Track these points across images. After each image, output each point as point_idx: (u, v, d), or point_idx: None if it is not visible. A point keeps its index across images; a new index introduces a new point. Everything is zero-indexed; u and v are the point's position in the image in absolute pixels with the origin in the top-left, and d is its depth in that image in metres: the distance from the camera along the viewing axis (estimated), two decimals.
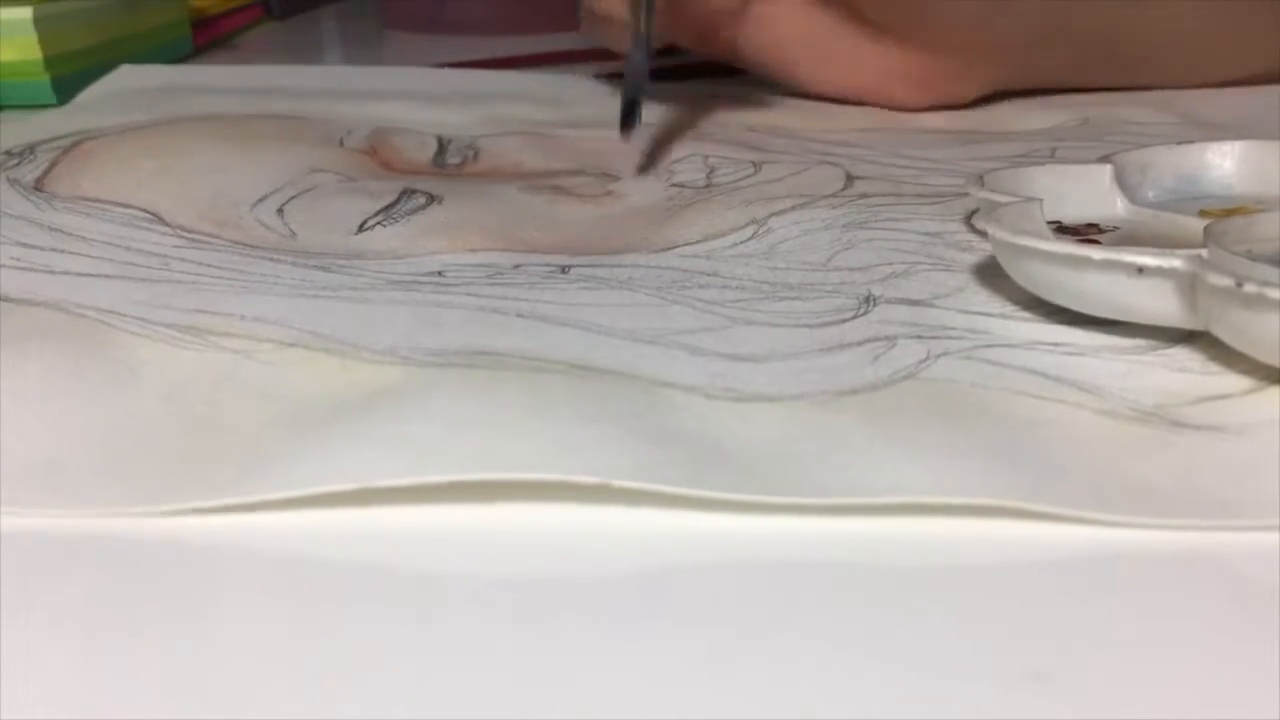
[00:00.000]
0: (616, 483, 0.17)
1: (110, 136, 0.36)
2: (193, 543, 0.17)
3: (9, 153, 0.35)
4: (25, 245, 0.27)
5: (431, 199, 0.31)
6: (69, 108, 0.42)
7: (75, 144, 0.35)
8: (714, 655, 0.15)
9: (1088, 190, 0.28)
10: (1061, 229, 0.27)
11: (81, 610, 0.16)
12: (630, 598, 0.16)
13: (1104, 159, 0.28)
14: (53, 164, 0.33)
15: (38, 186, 0.31)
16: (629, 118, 0.34)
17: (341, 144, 0.36)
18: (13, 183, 0.32)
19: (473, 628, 0.15)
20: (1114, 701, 0.14)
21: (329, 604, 0.16)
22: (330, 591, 0.16)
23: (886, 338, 0.23)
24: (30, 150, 0.35)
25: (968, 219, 0.29)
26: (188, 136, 0.36)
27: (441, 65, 0.50)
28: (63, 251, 0.27)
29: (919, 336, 0.23)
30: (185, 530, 0.17)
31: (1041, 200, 0.25)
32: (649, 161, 0.34)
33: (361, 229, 0.29)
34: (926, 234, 0.28)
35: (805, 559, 0.17)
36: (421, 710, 0.14)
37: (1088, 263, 0.21)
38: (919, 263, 0.26)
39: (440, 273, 0.26)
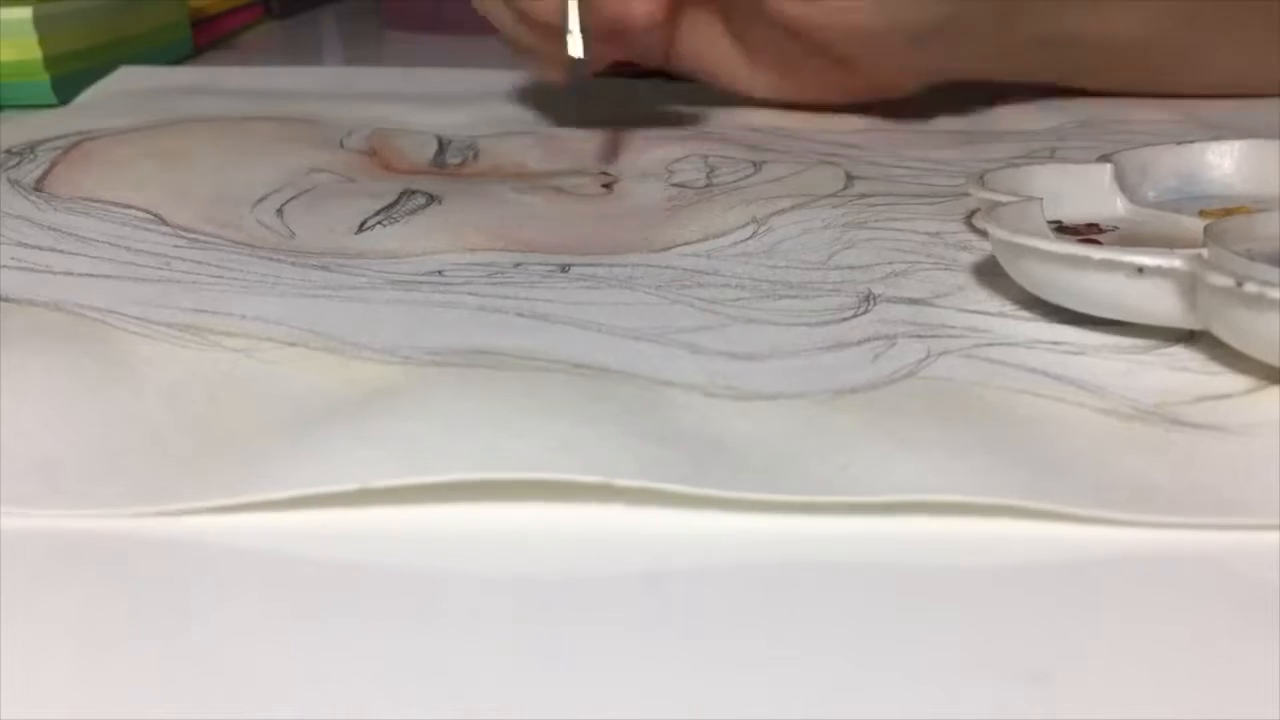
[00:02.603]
0: (617, 481, 0.17)
1: (111, 137, 0.36)
2: (192, 543, 0.17)
3: (9, 151, 0.35)
4: (25, 245, 0.27)
5: (431, 199, 0.31)
6: (69, 108, 0.42)
7: (75, 144, 0.35)
8: (713, 655, 0.15)
9: (1088, 190, 0.28)
10: (1061, 228, 0.27)
11: (81, 610, 0.16)
12: (630, 597, 0.16)
13: (1104, 158, 0.28)
14: (53, 164, 0.33)
15: (38, 186, 0.31)
16: (576, 83, 0.35)
17: (341, 145, 0.36)
18: (13, 183, 0.32)
19: (472, 628, 0.15)
20: (1114, 701, 0.14)
21: (329, 604, 0.16)
22: (330, 592, 0.16)
23: (887, 336, 0.23)
24: (30, 149, 0.35)
25: (968, 218, 0.29)
26: (188, 137, 0.36)
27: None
28: (63, 251, 0.27)
29: (919, 335, 0.23)
30: (185, 530, 0.17)
31: (1041, 200, 0.25)
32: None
33: (361, 229, 0.29)
34: (926, 233, 0.28)
35: (805, 558, 0.17)
36: (421, 711, 0.14)
37: (1087, 262, 0.21)
38: (919, 262, 0.26)
39: (440, 272, 0.26)
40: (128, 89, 0.45)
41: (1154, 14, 0.38)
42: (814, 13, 0.35)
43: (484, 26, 0.41)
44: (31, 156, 0.34)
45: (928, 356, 0.22)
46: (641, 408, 0.20)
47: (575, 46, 0.34)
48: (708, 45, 0.39)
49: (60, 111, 0.42)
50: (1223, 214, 0.25)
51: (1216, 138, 0.30)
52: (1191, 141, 0.29)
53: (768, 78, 0.40)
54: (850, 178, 0.33)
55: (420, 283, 0.25)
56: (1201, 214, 0.26)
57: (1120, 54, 0.39)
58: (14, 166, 0.33)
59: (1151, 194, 0.28)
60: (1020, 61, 0.39)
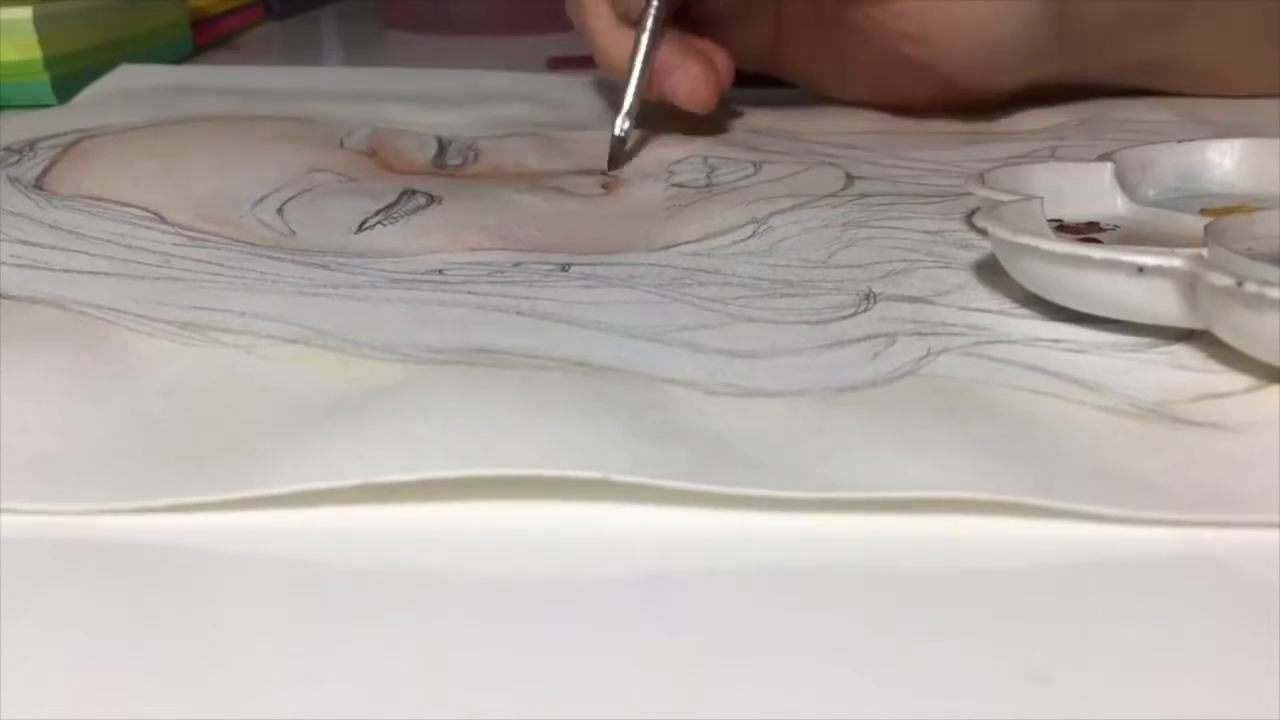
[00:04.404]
0: (616, 478, 0.17)
1: (111, 135, 0.36)
2: (192, 543, 0.17)
3: (9, 149, 0.35)
4: (26, 243, 0.27)
5: (431, 199, 0.31)
6: (69, 106, 0.43)
7: (76, 142, 0.35)
8: (713, 654, 0.15)
9: (1088, 189, 0.28)
10: (1062, 227, 0.27)
11: (81, 610, 0.16)
12: (630, 595, 0.16)
13: (1104, 157, 0.28)
14: (53, 162, 0.33)
15: (38, 184, 0.32)
16: (615, 159, 0.35)
17: (342, 145, 0.36)
18: (13, 181, 0.32)
19: (472, 625, 0.15)
20: (1114, 701, 0.14)
21: (328, 602, 0.16)
22: (329, 590, 0.16)
23: (887, 335, 0.23)
24: (30, 147, 0.35)
25: (968, 217, 0.29)
26: (188, 136, 0.36)
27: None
28: (63, 249, 0.27)
29: (919, 333, 0.23)
30: (185, 530, 0.17)
31: (1042, 198, 0.25)
32: (618, 161, 0.35)
33: (361, 229, 0.29)
34: (927, 232, 0.28)
35: (805, 556, 0.17)
36: (421, 710, 0.14)
37: (1088, 262, 0.21)
38: (919, 260, 0.26)
39: (440, 271, 0.26)
40: (128, 87, 0.45)
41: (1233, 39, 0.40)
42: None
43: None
44: (31, 154, 0.34)
45: (928, 354, 0.22)
46: (642, 406, 0.20)
47: (619, 125, 0.35)
48: (805, 53, 0.40)
49: (60, 109, 0.42)
50: (1223, 212, 0.25)
51: (1217, 135, 0.30)
52: (1192, 140, 0.29)
53: (860, 83, 0.40)
54: (850, 177, 0.33)
55: (420, 281, 0.25)
56: (1202, 212, 0.26)
57: (1207, 71, 0.41)
58: (14, 164, 0.33)
59: (1152, 192, 0.28)
60: (1103, 74, 0.41)
